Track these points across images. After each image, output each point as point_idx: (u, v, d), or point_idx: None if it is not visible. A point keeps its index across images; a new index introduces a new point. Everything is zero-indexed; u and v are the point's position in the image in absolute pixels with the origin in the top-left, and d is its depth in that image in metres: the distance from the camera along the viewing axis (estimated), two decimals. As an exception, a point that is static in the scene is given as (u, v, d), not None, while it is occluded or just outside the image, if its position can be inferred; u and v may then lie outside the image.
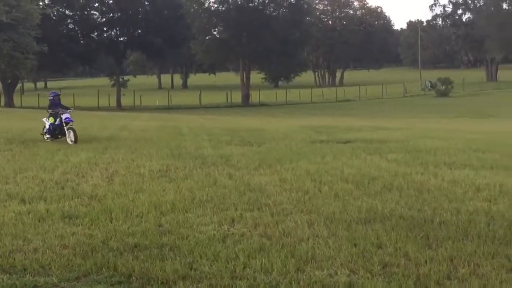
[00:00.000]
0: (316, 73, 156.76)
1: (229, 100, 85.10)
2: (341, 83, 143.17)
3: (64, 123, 20.32)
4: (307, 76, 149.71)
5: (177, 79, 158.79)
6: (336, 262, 7.30)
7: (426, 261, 7.30)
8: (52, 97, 21.52)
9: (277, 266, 7.13)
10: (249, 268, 7.12)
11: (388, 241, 8.10)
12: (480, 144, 20.34)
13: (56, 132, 20.58)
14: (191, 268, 7.14)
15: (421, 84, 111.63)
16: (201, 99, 79.50)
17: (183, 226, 9.06)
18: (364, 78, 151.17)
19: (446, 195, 11.30)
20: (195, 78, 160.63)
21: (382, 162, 15.74)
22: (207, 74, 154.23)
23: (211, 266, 7.20)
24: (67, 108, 21.39)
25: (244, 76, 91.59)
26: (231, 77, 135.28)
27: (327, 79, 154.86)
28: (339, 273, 6.92)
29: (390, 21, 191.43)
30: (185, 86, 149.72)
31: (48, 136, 20.63)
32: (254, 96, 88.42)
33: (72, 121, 20.50)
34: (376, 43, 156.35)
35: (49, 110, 21.10)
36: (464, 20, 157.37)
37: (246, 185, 12.29)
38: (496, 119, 48.79)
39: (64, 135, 20.41)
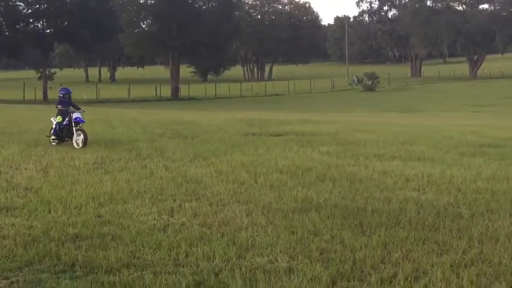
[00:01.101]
0: (245, 68, 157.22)
1: (158, 94, 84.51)
2: (270, 78, 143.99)
3: (73, 123, 17.68)
4: (236, 71, 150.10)
5: (105, 72, 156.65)
6: (275, 249, 7.54)
7: (361, 247, 7.62)
8: (62, 95, 18.48)
9: (218, 253, 7.32)
10: (191, 255, 7.30)
11: (324, 229, 8.40)
12: (407, 136, 20.96)
13: (63, 133, 17.89)
14: (134, 257, 7.27)
15: (348, 79, 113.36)
16: (130, 92, 78.71)
17: (122, 217, 9.16)
18: (293, 72, 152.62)
19: (377, 185, 11.72)
20: (123, 72, 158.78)
21: (314, 154, 16.11)
22: (136, 67, 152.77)
23: (154, 254, 7.35)
24: (77, 108, 18.56)
25: (173, 69, 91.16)
26: (160, 71, 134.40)
27: (256, 74, 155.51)
28: (279, 259, 7.16)
29: (318, 17, 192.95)
30: (113, 79, 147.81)
31: (53, 138, 17.86)
32: (184, 90, 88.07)
33: (83, 121, 17.99)
34: (304, 38, 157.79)
35: (58, 106, 18.18)
36: (389, 16, 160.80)
37: (183, 177, 12.44)
38: (421, 113, 50.08)
39: (71, 137, 17.69)
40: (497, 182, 12.00)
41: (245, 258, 7.20)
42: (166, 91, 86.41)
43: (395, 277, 6.55)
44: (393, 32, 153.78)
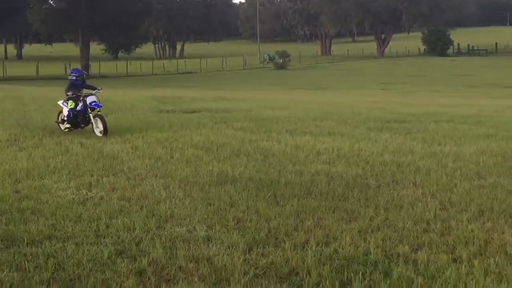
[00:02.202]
0: (157, 45, 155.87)
1: (68, 72, 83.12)
2: (182, 55, 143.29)
3: (89, 109, 15.54)
4: (148, 48, 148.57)
5: (11, 49, 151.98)
6: (193, 219, 7.84)
7: (275, 216, 8.00)
8: (74, 77, 16.18)
9: (138, 224, 7.56)
10: (112, 227, 7.50)
11: (240, 200, 8.75)
12: (318, 113, 21.56)
13: (78, 119, 15.75)
14: (55, 229, 7.41)
15: (259, 57, 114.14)
16: (38, 70, 76.93)
17: (41, 192, 9.25)
18: (205, 50, 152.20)
19: (290, 159, 12.16)
20: (30, 49, 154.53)
21: (228, 130, 16.43)
22: (44, 44, 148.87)
23: (74, 226, 7.51)
24: (93, 88, 16.17)
25: (83, 47, 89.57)
26: (70, 48, 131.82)
27: (167, 51, 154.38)
28: (197, 228, 7.46)
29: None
30: (20, 57, 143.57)
31: (67, 125, 15.71)
32: (94, 68, 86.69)
33: (100, 106, 15.80)
34: (216, 16, 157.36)
35: (68, 93, 15.75)
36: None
37: (99, 153, 12.56)
38: (331, 90, 51.12)
39: (88, 123, 15.75)
40: (402, 155, 12.65)
41: (164, 229, 7.46)
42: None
43: (307, 243, 6.95)
44: (303, 10, 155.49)
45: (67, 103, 15.71)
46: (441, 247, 6.83)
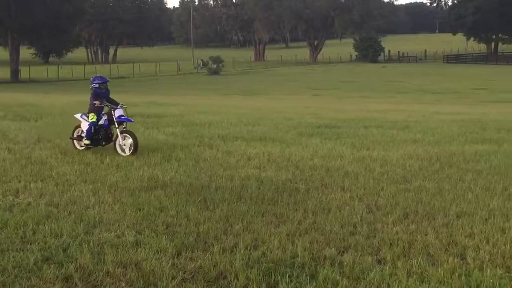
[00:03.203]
0: (89, 50, 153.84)
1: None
2: (114, 60, 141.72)
3: (116, 123, 13.41)
4: (80, 53, 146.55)
5: None
6: (122, 224, 7.81)
7: (204, 221, 8.04)
8: (97, 84, 13.70)
9: (66, 230, 7.49)
10: (38, 233, 7.41)
11: (170, 205, 8.76)
12: (250, 118, 21.68)
13: (99, 136, 13.65)
14: (-20, 236, 7.27)
15: (193, 62, 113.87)
16: (-35, 74, 75.09)
17: (-35, 198, 9.05)
18: (138, 55, 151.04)
19: (221, 164, 12.21)
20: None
21: (160, 136, 16.39)
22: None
23: (0, 233, 7.38)
24: (116, 104, 13.75)
25: (13, 51, 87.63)
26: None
27: (100, 56, 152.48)
28: (126, 234, 7.43)
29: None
30: None
31: (86, 142, 13.50)
32: (24, 72, 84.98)
33: (130, 121, 13.82)
34: (149, 21, 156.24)
35: (95, 102, 13.53)
36: (234, 1, 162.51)
37: (27, 159, 12.37)
38: (264, 96, 51.39)
39: (110, 141, 13.68)
40: (332, 159, 12.85)
41: (92, 234, 7.42)
42: (5, 73, 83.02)
43: (236, 247, 7.01)
44: (237, 16, 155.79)
45: (88, 116, 13.59)
46: (366, 249, 6.99)
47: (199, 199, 9.18)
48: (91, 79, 13.99)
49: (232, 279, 6.08)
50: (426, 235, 7.49)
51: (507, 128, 18.97)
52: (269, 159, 12.81)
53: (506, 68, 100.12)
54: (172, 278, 6.06)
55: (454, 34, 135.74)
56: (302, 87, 64.74)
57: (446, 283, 5.95)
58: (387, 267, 6.38)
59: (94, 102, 13.51)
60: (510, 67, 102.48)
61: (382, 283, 5.95)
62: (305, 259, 6.61)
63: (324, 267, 6.35)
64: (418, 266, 6.42)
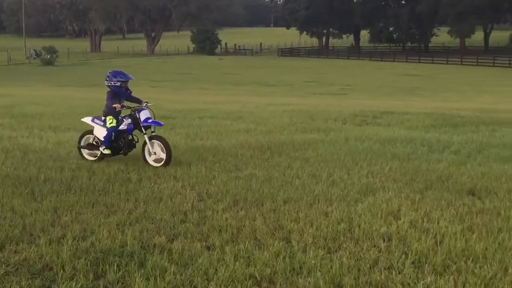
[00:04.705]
0: None
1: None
2: None
3: (142, 128, 11.32)
4: None
5: None
6: None
7: (31, 213, 7.81)
8: (118, 83, 11.40)
9: None
10: None
11: (-7, 198, 8.43)
12: (84, 109, 21.20)
13: (121, 142, 11.50)
14: None
15: (25, 52, 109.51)
16: None
17: None
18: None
19: (51, 155, 11.93)
20: None
21: (-14, 127, 15.69)
22: None
23: None
24: (139, 101, 11.50)
25: None
26: None
27: None
28: None
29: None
30: None
31: (106, 151, 11.33)
32: None
33: (160, 124, 11.57)
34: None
35: (114, 105, 11.19)
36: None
37: None
38: (100, 87, 50.31)
39: (133, 147, 11.65)
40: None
41: None
42: None
43: (63, 238, 6.87)
44: (72, 5, 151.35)
45: (106, 120, 11.41)
46: (196, 236, 7.08)
47: (27, 191, 8.91)
48: (110, 74, 11.46)
49: (58, 270, 5.95)
50: (254, 220, 7.70)
51: (334, 118, 19.86)
52: (102, 150, 12.62)
53: (336, 61, 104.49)
54: (-6, 272, 5.86)
55: (288, 28, 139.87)
56: (139, 78, 63.90)
57: (271, 265, 6.15)
58: (216, 253, 6.50)
59: (114, 105, 11.15)
60: (340, 60, 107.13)
61: (210, 268, 6.06)
62: (135, 248, 6.59)
63: (153, 255, 6.37)
64: (246, 250, 6.59)
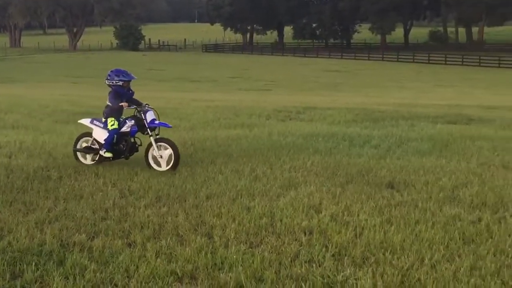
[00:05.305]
0: None
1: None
2: None
3: (148, 129, 10.69)
4: None
5: None
6: None
7: None
8: (120, 82, 10.70)
9: None
10: None
11: None
12: (2, 106, 20.70)
13: (122, 146, 10.88)
14: None
15: None
16: None
17: None
18: None
19: (-34, 153, 11.56)
20: None
21: None
22: None
23: None
24: (139, 104, 10.83)
25: None
26: None
27: None
28: None
29: None
30: None
31: (108, 154, 10.71)
32: None
33: (167, 125, 11.13)
34: None
35: (122, 104, 10.58)
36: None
37: None
38: (20, 83, 49.21)
39: (135, 151, 11.03)
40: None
41: None
42: None
43: (-21, 238, 6.70)
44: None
45: (105, 123, 10.85)
46: (117, 233, 7.01)
47: None
48: (111, 73, 10.74)
49: (-28, 271, 5.80)
50: (176, 216, 7.68)
51: (258, 114, 19.96)
52: (21, 147, 12.38)
53: (260, 57, 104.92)
54: None
55: (212, 24, 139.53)
56: (61, 74, 62.97)
57: (193, 261, 6.15)
58: (137, 250, 6.46)
59: (121, 104, 10.53)
60: (264, 56, 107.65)
61: (131, 265, 6.01)
62: (54, 247, 6.48)
63: (73, 253, 6.27)
64: (167, 246, 6.56)
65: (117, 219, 7.53)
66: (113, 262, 6.10)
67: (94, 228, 7.19)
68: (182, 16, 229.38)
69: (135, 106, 10.67)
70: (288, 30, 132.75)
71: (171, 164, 10.47)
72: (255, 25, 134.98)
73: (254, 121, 17.88)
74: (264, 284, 5.66)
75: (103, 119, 10.89)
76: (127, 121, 10.77)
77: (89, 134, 11.18)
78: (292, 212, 7.86)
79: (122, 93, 10.67)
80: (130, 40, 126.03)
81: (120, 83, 10.64)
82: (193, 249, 6.48)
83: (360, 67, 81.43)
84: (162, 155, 10.54)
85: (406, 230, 7.18)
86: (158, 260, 6.17)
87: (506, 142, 14.36)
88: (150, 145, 10.67)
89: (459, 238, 6.95)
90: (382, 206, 8.26)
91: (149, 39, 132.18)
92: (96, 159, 10.92)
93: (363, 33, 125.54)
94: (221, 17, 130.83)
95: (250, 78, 61.22)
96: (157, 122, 10.69)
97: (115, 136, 10.67)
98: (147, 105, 10.79)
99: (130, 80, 10.75)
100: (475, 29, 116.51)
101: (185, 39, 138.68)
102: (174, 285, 5.68)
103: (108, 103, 10.77)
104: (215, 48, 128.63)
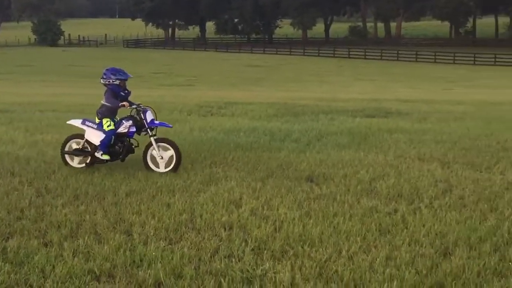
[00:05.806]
0: None
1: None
2: None
3: (148, 129, 10.20)
4: None
5: None
6: None
7: None
8: (117, 81, 10.23)
9: None
10: None
11: None
12: None
13: (118, 147, 10.33)
14: None
15: None
16: None
17: None
18: None
19: None
20: None
21: None
22: None
23: None
24: (132, 104, 10.33)
25: None
26: None
27: None
28: None
29: None
30: None
31: (105, 157, 10.22)
32: None
33: (168, 126, 10.88)
34: None
35: (121, 104, 10.11)
36: None
37: None
38: None
39: (131, 152, 10.52)
40: (2, 144, 12.48)
41: None
42: None
43: None
44: None
45: (99, 124, 10.31)
46: (33, 233, 6.86)
47: None
48: (107, 72, 10.25)
49: None
50: (95, 214, 7.57)
51: (179, 109, 19.89)
52: None
53: (182, 53, 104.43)
54: None
55: (133, 19, 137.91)
56: (-25, 71, 61.09)
57: (111, 259, 6.07)
58: (53, 249, 6.33)
59: (122, 104, 10.07)
60: (186, 52, 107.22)
61: (47, 265, 5.89)
62: (-34, 249, 6.29)
63: (-14, 255, 6.11)
64: (85, 245, 6.46)
65: (33, 219, 7.37)
66: (28, 262, 5.97)
67: (8, 228, 7.02)
68: (102, 11, 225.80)
69: (135, 106, 10.26)
70: (210, 25, 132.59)
71: (171, 166, 10.11)
72: (177, 20, 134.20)
73: (175, 117, 17.77)
74: (183, 280, 5.64)
75: (97, 120, 10.37)
76: (123, 121, 10.31)
77: (79, 135, 10.59)
78: (212, 208, 7.87)
79: (118, 92, 10.22)
80: (48, 35, 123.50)
81: (117, 82, 10.20)
82: (112, 247, 6.40)
83: (281, 62, 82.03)
84: (162, 156, 10.17)
85: (325, 223, 7.29)
86: (75, 259, 6.07)
87: (422, 135, 14.74)
88: (149, 145, 10.27)
89: (376, 230, 7.10)
90: (301, 200, 8.35)
91: (69, 35, 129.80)
92: (88, 161, 10.41)
93: (285, 28, 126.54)
94: (142, 12, 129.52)
95: (172, 73, 60.88)
96: (156, 122, 10.35)
97: (111, 136, 10.20)
98: (140, 105, 10.32)
99: (126, 79, 10.32)
100: (393, 24, 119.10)
101: (105, 35, 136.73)
102: (91, 284, 5.60)
103: (104, 103, 10.24)
104: (137, 43, 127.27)
